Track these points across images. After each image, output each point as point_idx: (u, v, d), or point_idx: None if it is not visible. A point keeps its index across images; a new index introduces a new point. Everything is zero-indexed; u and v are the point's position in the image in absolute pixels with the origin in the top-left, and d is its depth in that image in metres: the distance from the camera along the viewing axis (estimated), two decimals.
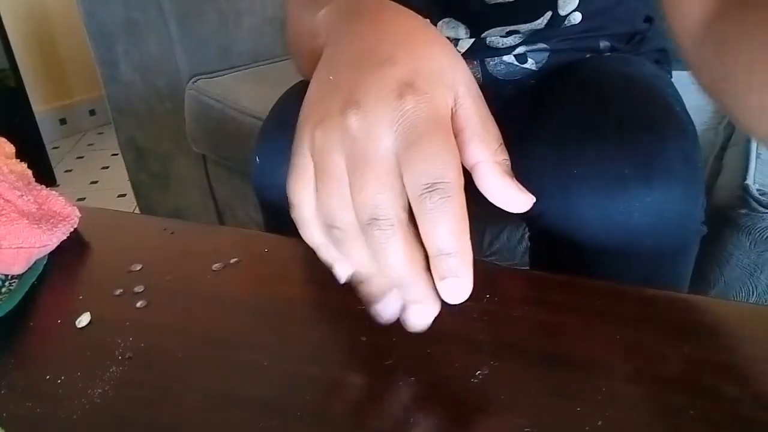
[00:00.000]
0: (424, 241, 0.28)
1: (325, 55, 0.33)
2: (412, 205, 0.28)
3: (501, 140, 0.29)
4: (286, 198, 0.54)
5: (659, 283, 0.44)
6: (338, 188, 0.29)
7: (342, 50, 0.32)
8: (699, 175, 0.51)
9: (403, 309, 0.31)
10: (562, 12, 0.63)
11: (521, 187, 0.29)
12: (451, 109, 0.29)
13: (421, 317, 0.30)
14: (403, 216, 0.28)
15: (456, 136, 0.28)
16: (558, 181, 0.49)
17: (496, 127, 0.30)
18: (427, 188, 0.27)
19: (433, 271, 0.28)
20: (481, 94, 0.30)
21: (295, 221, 0.32)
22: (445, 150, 0.27)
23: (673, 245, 0.51)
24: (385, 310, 0.31)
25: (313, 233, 0.32)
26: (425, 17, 0.33)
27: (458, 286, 0.28)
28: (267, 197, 0.61)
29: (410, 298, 0.30)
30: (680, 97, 0.62)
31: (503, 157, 0.29)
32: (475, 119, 0.29)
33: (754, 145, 0.83)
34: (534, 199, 0.29)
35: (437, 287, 0.28)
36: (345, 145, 0.28)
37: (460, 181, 0.27)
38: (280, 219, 0.61)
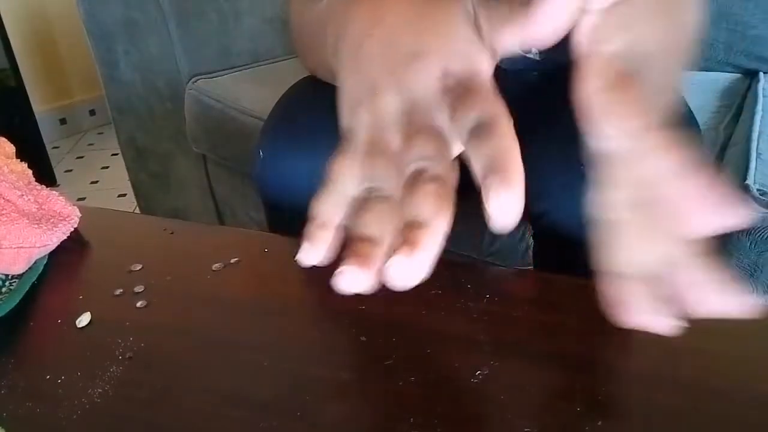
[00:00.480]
0: (475, 167, 0.28)
1: (347, 49, 0.34)
2: (464, 143, 0.29)
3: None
4: (288, 193, 0.54)
5: None
6: (386, 160, 0.30)
7: (365, 40, 0.33)
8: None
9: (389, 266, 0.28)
10: None
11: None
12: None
13: (410, 272, 0.28)
14: (447, 176, 0.29)
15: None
16: (563, 179, 0.49)
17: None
18: (476, 124, 0.28)
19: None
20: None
21: (319, 195, 0.32)
22: (491, 99, 0.29)
23: None
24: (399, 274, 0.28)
25: (329, 206, 0.31)
26: None
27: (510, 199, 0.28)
28: (269, 192, 0.61)
29: (418, 240, 0.28)
30: (684, 98, 0.62)
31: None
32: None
33: (754, 145, 0.83)
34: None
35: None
36: (398, 121, 0.30)
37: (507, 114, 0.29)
38: (281, 214, 0.61)
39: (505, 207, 0.27)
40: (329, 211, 0.31)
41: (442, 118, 0.30)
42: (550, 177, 0.50)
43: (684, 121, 0.52)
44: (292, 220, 0.62)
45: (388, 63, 0.31)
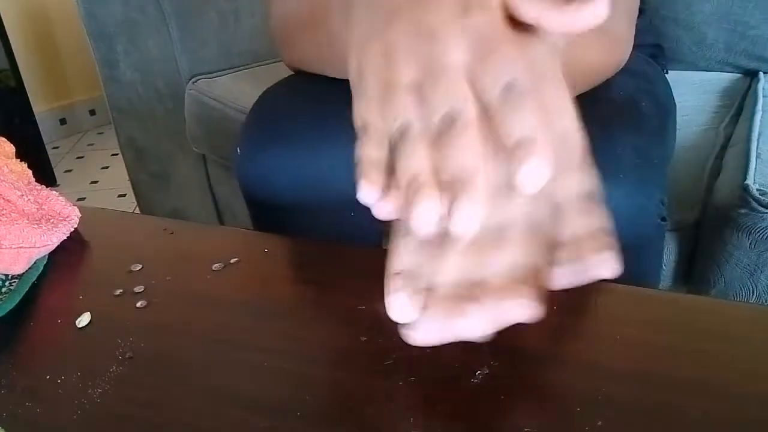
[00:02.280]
0: (504, 134, 0.28)
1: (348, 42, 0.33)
2: (490, 105, 0.28)
3: None
4: (269, 189, 0.53)
5: (621, 278, 0.44)
6: (406, 97, 0.29)
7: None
8: (655, 170, 0.51)
9: (449, 214, 0.29)
10: None
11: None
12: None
13: (470, 218, 0.29)
14: (476, 114, 0.28)
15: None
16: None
17: None
18: (506, 87, 0.28)
19: (512, 161, 0.28)
20: None
21: (360, 138, 0.31)
22: (517, 53, 0.28)
23: (627, 242, 0.51)
24: (423, 217, 0.29)
25: (373, 147, 0.31)
26: None
27: (541, 168, 0.27)
28: (250, 189, 0.60)
29: (467, 196, 0.28)
30: (663, 93, 0.61)
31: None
32: None
33: (754, 145, 0.83)
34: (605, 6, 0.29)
35: (519, 174, 0.27)
36: (416, 58, 0.29)
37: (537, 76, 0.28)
38: (264, 210, 0.61)
39: (539, 174, 0.27)
40: (374, 151, 0.31)
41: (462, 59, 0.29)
42: None
43: (637, 117, 0.52)
44: (274, 216, 0.62)
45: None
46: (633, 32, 0.57)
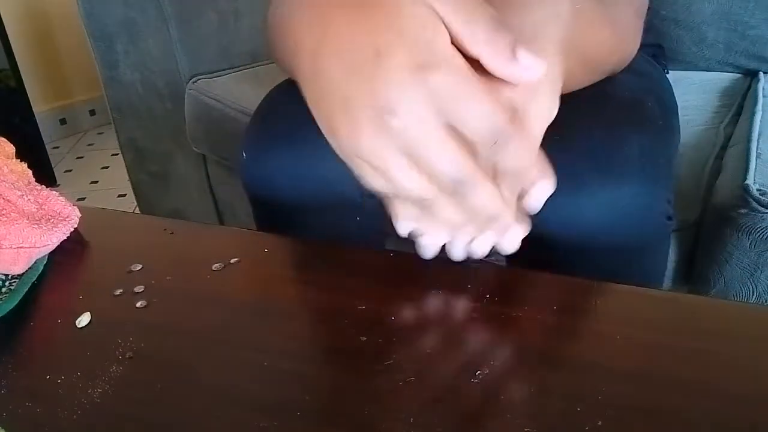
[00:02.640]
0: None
1: (309, 52, 0.33)
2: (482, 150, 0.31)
3: (493, 19, 0.31)
4: (273, 191, 0.55)
5: (626, 279, 0.44)
6: (409, 169, 0.31)
7: (327, 45, 0.32)
8: (662, 169, 0.51)
9: (496, 239, 0.38)
10: None
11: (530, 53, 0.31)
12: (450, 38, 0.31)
13: (515, 239, 0.37)
14: (476, 164, 0.31)
15: (467, 53, 0.31)
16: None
17: (484, 7, 0.31)
18: (489, 140, 0.31)
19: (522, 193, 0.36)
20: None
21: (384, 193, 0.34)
22: (482, 102, 0.30)
23: (634, 241, 0.51)
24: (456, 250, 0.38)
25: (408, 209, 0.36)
26: None
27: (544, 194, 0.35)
28: (254, 191, 0.61)
29: (504, 226, 0.35)
30: (666, 93, 0.61)
31: (502, 36, 0.31)
32: (465, 32, 0.31)
33: (754, 145, 0.83)
34: (544, 66, 0.32)
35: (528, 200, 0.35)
36: (398, 143, 0.30)
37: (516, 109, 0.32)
38: (268, 212, 0.61)
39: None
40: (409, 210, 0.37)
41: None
42: None
43: (643, 117, 0.52)
44: (279, 217, 0.62)
45: (351, 69, 0.31)
46: (641, 27, 0.57)
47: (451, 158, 0.30)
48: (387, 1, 0.32)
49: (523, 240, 0.50)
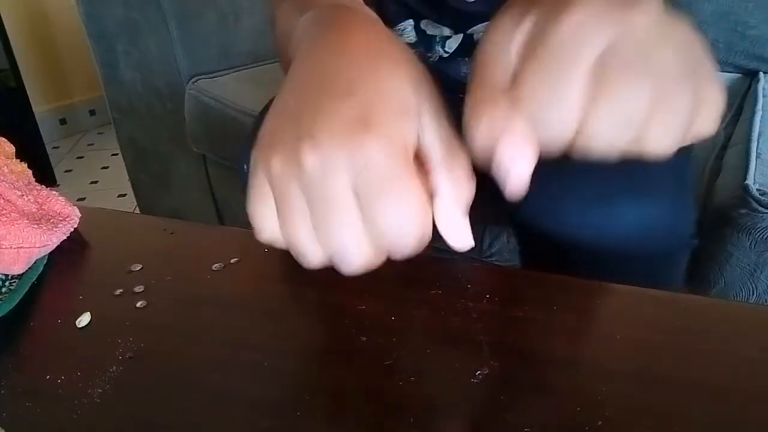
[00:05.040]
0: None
1: (290, 74, 0.32)
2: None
3: (467, 167, 0.28)
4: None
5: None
6: (301, 220, 0.28)
7: (304, 72, 0.31)
8: (688, 189, 0.52)
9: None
10: None
11: (467, 226, 0.29)
12: (417, 138, 0.28)
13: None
14: (368, 250, 0.27)
15: (423, 163, 0.28)
16: (549, 191, 0.50)
17: (464, 151, 0.28)
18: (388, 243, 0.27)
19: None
20: (446, 117, 0.29)
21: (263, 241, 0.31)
22: (404, 205, 0.26)
23: (660, 257, 0.52)
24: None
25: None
26: (402, 18, 0.32)
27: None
28: None
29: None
30: None
31: (465, 187, 0.28)
32: (439, 148, 0.28)
33: (754, 145, 0.83)
34: (472, 244, 0.29)
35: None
36: (302, 182, 0.27)
37: (423, 234, 0.27)
38: None
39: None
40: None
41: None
42: (536, 187, 0.51)
43: None
44: None
45: (315, 97, 0.28)
46: None
47: (342, 230, 0.27)
48: (390, 50, 0.30)
49: (550, 248, 0.50)
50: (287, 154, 0.28)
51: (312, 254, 0.29)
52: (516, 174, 0.27)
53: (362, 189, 0.26)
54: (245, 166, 0.59)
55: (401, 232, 0.26)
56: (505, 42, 0.27)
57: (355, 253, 0.27)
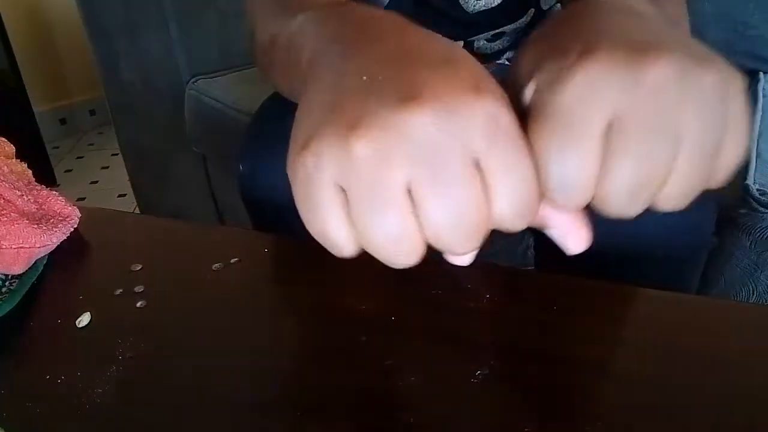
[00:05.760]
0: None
1: (323, 72, 0.30)
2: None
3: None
4: (273, 200, 0.51)
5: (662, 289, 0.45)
6: (400, 205, 0.25)
7: (345, 69, 0.28)
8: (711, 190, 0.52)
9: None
10: (544, 6, 0.63)
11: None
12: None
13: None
14: (425, 250, 0.26)
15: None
16: None
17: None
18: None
19: None
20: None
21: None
22: (467, 196, 0.24)
23: (682, 256, 0.52)
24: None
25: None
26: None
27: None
28: (254, 202, 0.61)
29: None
30: None
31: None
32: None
33: (754, 145, 0.83)
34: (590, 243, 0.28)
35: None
36: (347, 175, 0.25)
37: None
38: (267, 220, 0.61)
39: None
40: None
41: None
42: None
43: None
44: (277, 228, 0.63)
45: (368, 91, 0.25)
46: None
47: (396, 229, 0.25)
48: (428, 40, 0.28)
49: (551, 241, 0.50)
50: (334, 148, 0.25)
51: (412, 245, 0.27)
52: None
53: (483, 157, 0.23)
54: (240, 167, 0.59)
55: (523, 204, 0.25)
56: (520, 91, 0.26)
57: (411, 253, 0.26)
